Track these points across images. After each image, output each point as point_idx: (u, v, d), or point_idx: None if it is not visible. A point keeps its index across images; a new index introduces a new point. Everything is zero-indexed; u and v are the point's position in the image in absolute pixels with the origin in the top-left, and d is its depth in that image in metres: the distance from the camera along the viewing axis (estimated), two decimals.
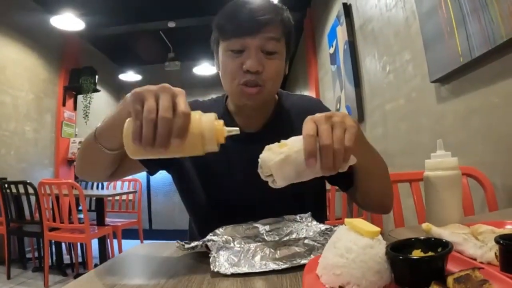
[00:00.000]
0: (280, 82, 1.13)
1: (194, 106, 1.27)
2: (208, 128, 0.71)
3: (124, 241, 4.20)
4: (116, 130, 0.78)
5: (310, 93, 6.10)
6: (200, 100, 1.33)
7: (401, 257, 0.53)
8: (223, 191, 1.16)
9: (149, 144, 0.69)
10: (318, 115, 0.77)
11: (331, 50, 4.77)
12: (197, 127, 0.71)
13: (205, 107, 1.19)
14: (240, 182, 1.12)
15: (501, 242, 0.55)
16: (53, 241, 3.88)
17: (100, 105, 7.92)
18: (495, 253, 0.60)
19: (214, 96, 1.34)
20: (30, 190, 3.68)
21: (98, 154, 0.95)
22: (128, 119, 0.74)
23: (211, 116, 0.73)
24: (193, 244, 0.81)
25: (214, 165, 1.14)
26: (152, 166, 1.16)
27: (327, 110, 1.28)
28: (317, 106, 1.27)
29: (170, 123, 0.68)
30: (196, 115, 0.72)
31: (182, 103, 0.70)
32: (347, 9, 4.01)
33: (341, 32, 4.17)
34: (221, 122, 0.73)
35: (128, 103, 0.72)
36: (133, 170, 1.15)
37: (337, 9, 4.35)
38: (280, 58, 1.09)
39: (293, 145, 0.75)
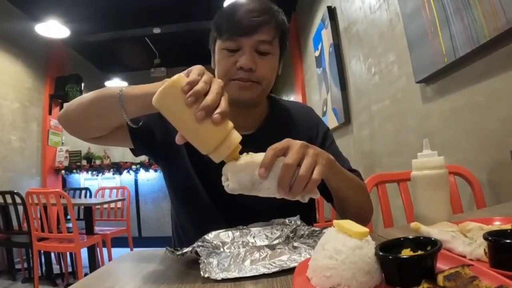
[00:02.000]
0: (273, 81, 1.16)
1: None
2: (234, 138, 0.76)
3: (113, 249, 4.15)
4: (150, 99, 0.77)
5: (296, 96, 6.13)
6: None
7: (390, 257, 0.53)
8: (214, 193, 1.15)
9: (196, 98, 0.73)
10: (297, 141, 0.81)
11: (317, 53, 4.80)
12: (228, 129, 0.76)
13: None
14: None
15: (490, 238, 0.55)
16: (42, 251, 3.83)
17: None
18: (484, 250, 0.61)
19: None
20: (18, 200, 3.63)
21: (108, 112, 0.95)
22: (180, 74, 0.79)
23: (239, 137, 0.78)
24: (182, 250, 0.80)
25: (208, 166, 1.13)
26: (140, 146, 1.16)
27: (318, 118, 1.34)
28: (309, 113, 1.33)
29: (219, 97, 0.76)
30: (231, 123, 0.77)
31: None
32: (332, 12, 4.03)
33: (326, 35, 4.20)
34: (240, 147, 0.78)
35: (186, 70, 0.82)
36: (120, 142, 1.15)
37: (321, 12, 4.38)
38: (273, 58, 1.13)
39: (257, 157, 0.78)
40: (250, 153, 0.80)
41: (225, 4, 4.36)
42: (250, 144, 0.92)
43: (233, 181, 0.77)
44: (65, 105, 1.21)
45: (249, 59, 1.07)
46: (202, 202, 1.17)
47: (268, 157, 0.76)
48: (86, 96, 1.02)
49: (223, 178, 0.79)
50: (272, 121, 1.23)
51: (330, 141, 1.30)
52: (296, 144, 0.80)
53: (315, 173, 0.78)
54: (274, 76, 1.17)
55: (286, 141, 0.81)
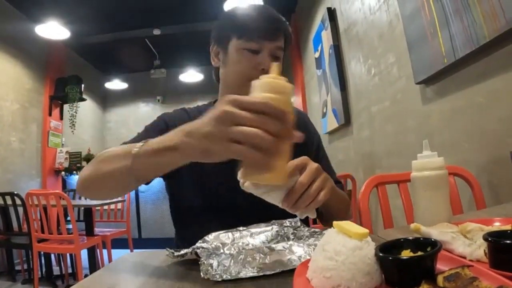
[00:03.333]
0: None
1: (182, 115, 1.27)
2: None
3: (113, 251, 4.15)
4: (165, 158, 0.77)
5: (296, 98, 6.13)
6: (187, 109, 1.34)
7: (390, 258, 0.53)
8: (214, 198, 1.18)
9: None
10: (313, 162, 0.90)
11: (317, 55, 4.80)
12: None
13: (194, 116, 1.20)
14: (230, 189, 1.11)
15: (490, 239, 0.55)
16: (42, 253, 3.83)
17: (87, 114, 7.87)
18: (484, 251, 0.61)
19: (200, 103, 1.37)
20: (18, 201, 3.63)
21: (126, 187, 0.97)
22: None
23: None
24: (182, 251, 0.80)
25: (208, 172, 1.14)
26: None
27: (313, 126, 1.42)
28: (304, 120, 1.41)
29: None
30: None
31: None
32: (332, 14, 4.04)
33: (326, 36, 4.20)
34: None
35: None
36: None
37: (321, 14, 4.38)
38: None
39: None
40: None
41: (226, 6, 4.32)
42: None
43: (248, 182, 0.78)
44: (80, 176, 1.19)
45: (270, 62, 1.08)
46: (200, 206, 1.18)
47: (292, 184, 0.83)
48: (97, 170, 0.98)
49: (239, 174, 0.74)
50: None
51: (323, 152, 1.39)
52: (313, 166, 0.88)
53: (320, 195, 0.85)
54: None
55: (304, 159, 0.89)
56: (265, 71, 1.05)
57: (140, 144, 0.83)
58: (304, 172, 0.86)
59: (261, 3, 4.63)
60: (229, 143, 0.65)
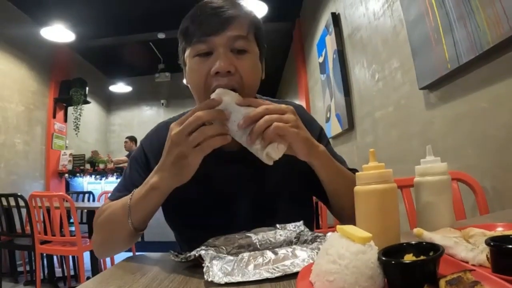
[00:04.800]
0: (258, 83, 1.04)
1: (162, 132, 1.16)
2: None
3: None
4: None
5: (300, 102, 6.12)
6: (171, 120, 1.23)
7: (393, 262, 0.53)
8: (205, 210, 1.12)
9: None
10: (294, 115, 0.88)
11: (321, 59, 4.81)
12: None
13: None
14: (223, 201, 1.10)
15: (492, 244, 0.55)
16: (44, 254, 3.83)
17: (91, 116, 7.90)
18: (487, 256, 0.61)
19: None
20: (21, 203, 3.64)
21: (128, 242, 1.05)
22: None
23: None
24: (186, 254, 0.81)
25: (198, 184, 1.00)
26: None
27: (309, 115, 1.27)
28: (299, 111, 1.24)
29: None
30: None
31: None
32: (336, 19, 4.05)
33: (330, 41, 4.21)
34: None
35: None
36: None
37: (326, 19, 4.39)
38: (252, 57, 1.00)
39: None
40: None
41: None
42: (239, 160, 0.99)
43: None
44: (93, 245, 1.25)
45: (225, 60, 0.93)
46: (203, 211, 1.13)
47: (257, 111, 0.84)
48: (104, 240, 1.15)
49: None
50: None
51: (326, 141, 1.24)
52: (290, 112, 0.87)
53: (281, 124, 0.83)
54: (258, 78, 1.04)
55: (285, 107, 0.88)
56: (221, 74, 0.94)
57: (129, 196, 0.96)
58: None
59: (266, 8, 4.65)
60: (193, 149, 0.82)
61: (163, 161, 0.88)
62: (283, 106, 0.88)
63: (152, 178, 0.90)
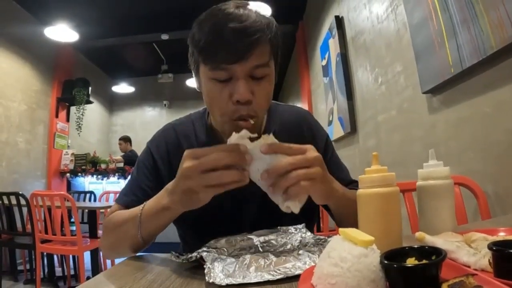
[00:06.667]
0: (270, 101, 1.05)
1: (168, 135, 1.20)
2: None
3: None
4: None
5: (302, 105, 6.12)
6: (175, 124, 1.25)
7: (395, 265, 0.53)
8: (214, 209, 1.12)
9: None
10: (317, 153, 0.83)
11: (324, 62, 4.81)
12: None
13: (183, 128, 1.19)
14: (229, 199, 1.10)
15: (494, 248, 0.55)
16: (45, 253, 3.84)
17: (93, 116, 7.92)
18: (489, 260, 0.61)
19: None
20: (22, 202, 3.64)
21: (136, 248, 1.01)
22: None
23: None
24: (187, 255, 0.81)
25: None
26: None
27: (315, 122, 1.28)
28: (306, 119, 1.26)
29: None
30: None
31: None
32: (339, 22, 4.05)
33: (333, 45, 4.21)
34: None
35: None
36: None
37: (329, 22, 4.39)
38: (270, 80, 0.98)
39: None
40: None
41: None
42: None
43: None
44: (101, 247, 1.25)
45: (246, 90, 0.91)
46: (205, 219, 1.10)
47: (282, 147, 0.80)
48: (112, 245, 1.10)
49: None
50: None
51: (331, 152, 1.25)
52: (312, 153, 0.82)
53: (307, 183, 0.78)
54: (271, 100, 1.04)
55: (308, 147, 0.83)
56: (241, 103, 0.92)
57: (140, 208, 0.95)
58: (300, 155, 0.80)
59: (269, 10, 4.65)
60: (205, 188, 0.77)
61: (174, 187, 0.83)
62: (309, 155, 0.81)
63: (164, 199, 0.87)
